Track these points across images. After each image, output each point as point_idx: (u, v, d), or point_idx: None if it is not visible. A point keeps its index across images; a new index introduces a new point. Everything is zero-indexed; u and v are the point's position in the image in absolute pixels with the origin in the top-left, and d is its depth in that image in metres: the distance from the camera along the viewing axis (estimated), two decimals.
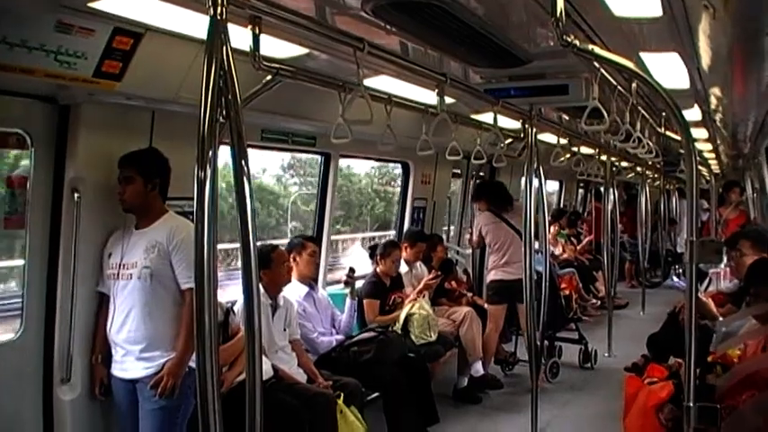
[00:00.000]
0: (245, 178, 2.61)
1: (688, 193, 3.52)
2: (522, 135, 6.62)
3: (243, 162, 2.61)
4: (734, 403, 3.79)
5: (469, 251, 9.87)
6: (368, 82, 4.41)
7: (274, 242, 6.13)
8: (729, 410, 3.72)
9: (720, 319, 5.19)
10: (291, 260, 5.89)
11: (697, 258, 3.27)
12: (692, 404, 3.29)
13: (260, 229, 14.20)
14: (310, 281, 6.13)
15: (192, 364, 4.09)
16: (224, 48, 2.54)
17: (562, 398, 7.55)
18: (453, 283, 8.19)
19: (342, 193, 16.67)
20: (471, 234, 8.62)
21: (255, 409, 2.77)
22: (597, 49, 3.37)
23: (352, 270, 6.48)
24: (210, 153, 2.50)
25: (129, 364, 4.26)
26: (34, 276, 4.21)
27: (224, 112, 2.56)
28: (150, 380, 4.17)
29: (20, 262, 4.56)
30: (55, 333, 4.24)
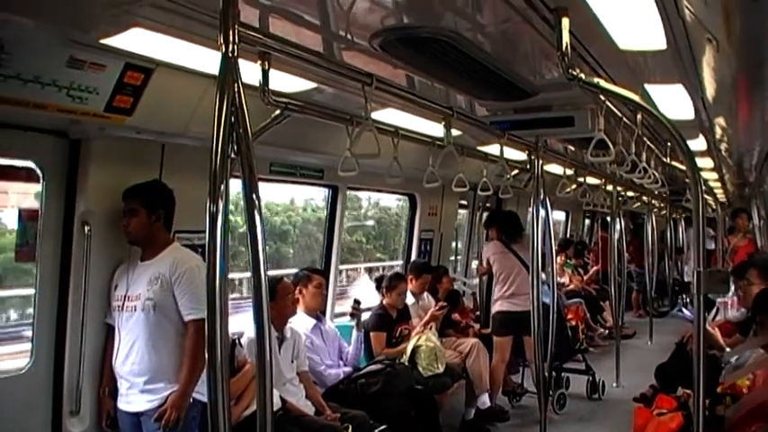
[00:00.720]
0: (256, 212, 2.63)
1: (694, 222, 3.53)
2: (528, 166, 6.64)
3: (254, 196, 2.64)
4: None
5: (476, 281, 9.87)
6: (375, 115, 4.44)
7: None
8: None
9: (727, 349, 5.18)
10: (298, 292, 5.89)
11: (704, 289, 3.28)
12: None
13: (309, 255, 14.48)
14: (317, 313, 6.14)
15: (196, 395, 4.11)
16: (235, 85, 2.57)
17: (570, 429, 7.53)
18: (457, 315, 8.19)
19: (382, 224, 16.74)
20: (480, 261, 8.63)
21: None
22: (602, 82, 3.41)
23: (357, 302, 6.48)
24: (222, 187, 2.53)
25: (134, 397, 4.27)
26: (44, 308, 4.23)
27: (235, 147, 2.59)
28: (154, 413, 4.17)
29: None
30: (64, 365, 4.25)
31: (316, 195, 11.26)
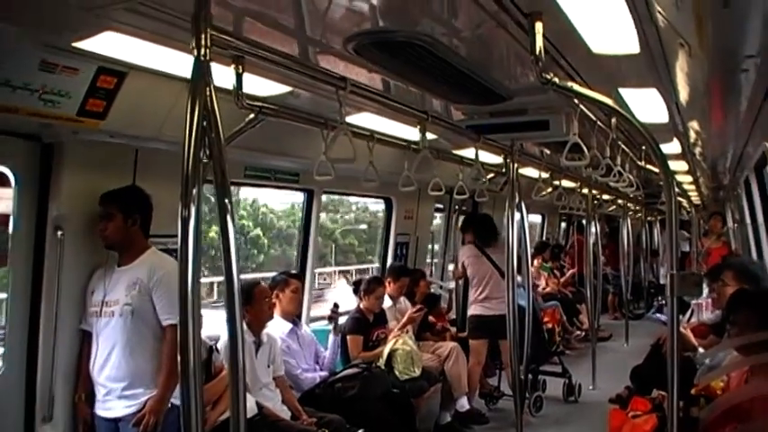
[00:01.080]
0: (228, 216, 2.62)
1: (668, 225, 3.55)
2: (503, 170, 6.66)
3: (226, 200, 2.62)
4: None
5: (453, 285, 9.88)
6: (350, 119, 4.44)
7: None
8: None
9: (701, 350, 5.21)
10: (275, 297, 5.88)
11: (678, 291, 3.30)
12: None
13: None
14: (294, 317, 6.12)
15: (174, 400, 4.08)
16: (208, 89, 2.56)
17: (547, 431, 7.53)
18: (433, 318, 8.20)
19: (372, 228, 16.99)
20: (456, 264, 8.64)
21: None
22: (576, 86, 3.42)
23: (336, 306, 6.47)
24: (194, 192, 2.51)
25: (112, 403, 4.25)
26: (16, 313, 4.20)
27: (207, 152, 2.57)
28: (132, 418, 4.15)
29: None
30: (37, 371, 4.22)
31: None
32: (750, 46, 3.68)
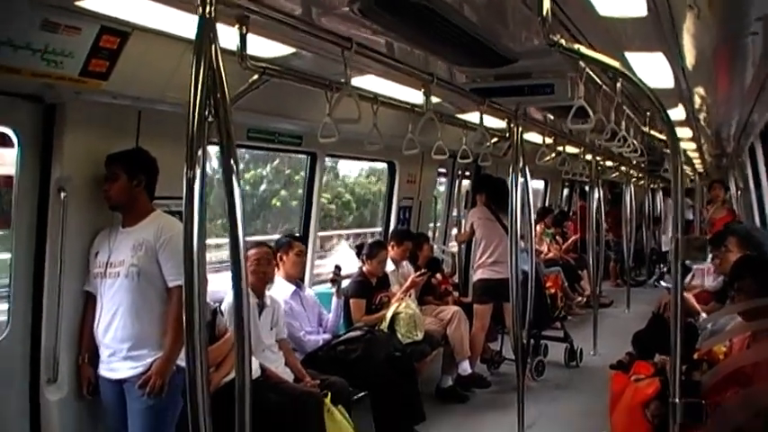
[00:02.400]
0: (233, 177, 2.61)
1: (673, 190, 3.53)
2: (507, 134, 6.63)
3: (232, 161, 2.62)
4: (719, 399, 3.81)
5: (455, 249, 9.89)
6: (354, 81, 4.40)
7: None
8: (714, 407, 3.74)
9: (704, 315, 5.22)
10: (278, 259, 5.89)
11: (682, 255, 3.30)
12: (677, 400, 3.32)
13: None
14: (297, 280, 6.13)
15: (180, 362, 4.10)
16: (212, 47, 2.54)
17: (548, 396, 7.59)
18: (439, 276, 8.20)
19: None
20: (460, 228, 8.61)
21: (245, 409, 2.77)
22: (583, 49, 3.38)
23: (338, 268, 6.48)
24: (199, 152, 2.50)
25: (117, 364, 4.25)
26: (20, 276, 4.19)
27: (212, 111, 2.56)
28: (138, 379, 4.16)
29: None
30: (41, 333, 4.22)
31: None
32: (760, 6, 3.64)
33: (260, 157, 15.15)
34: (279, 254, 5.94)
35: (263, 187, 16.47)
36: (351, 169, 18.11)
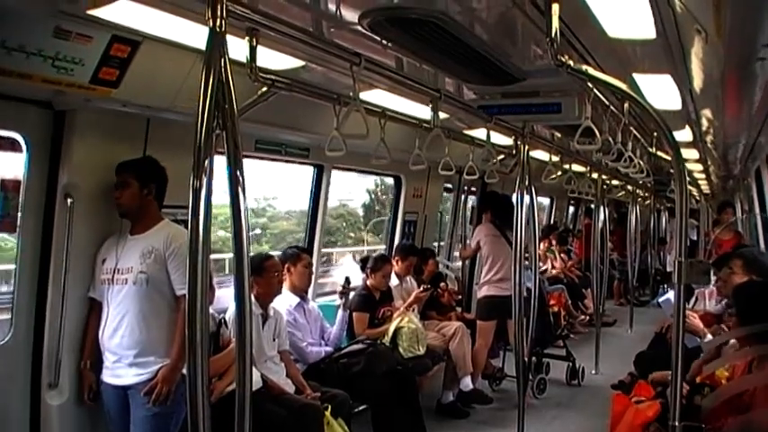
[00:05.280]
0: (239, 188, 2.62)
1: (678, 213, 3.53)
2: (514, 151, 6.65)
3: (238, 172, 2.63)
4: (719, 424, 3.80)
5: (459, 264, 9.88)
6: (362, 96, 4.42)
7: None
8: (715, 431, 3.74)
9: (709, 336, 5.21)
10: (286, 271, 5.90)
11: (686, 278, 3.29)
12: (677, 423, 3.31)
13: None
14: (302, 292, 6.13)
15: (185, 371, 4.10)
16: (222, 60, 2.55)
17: (549, 414, 7.57)
18: (443, 286, 8.19)
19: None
20: (465, 244, 8.60)
21: (245, 419, 2.77)
22: (590, 70, 3.40)
23: (347, 281, 6.48)
24: (206, 163, 2.52)
25: (122, 371, 4.25)
26: (25, 280, 4.20)
27: (220, 123, 2.57)
28: (143, 386, 4.17)
29: None
30: (44, 337, 4.23)
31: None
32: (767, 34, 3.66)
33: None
34: (287, 265, 5.95)
35: None
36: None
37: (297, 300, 6.01)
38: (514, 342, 6.28)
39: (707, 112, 6.43)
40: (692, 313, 5.30)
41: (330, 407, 5.22)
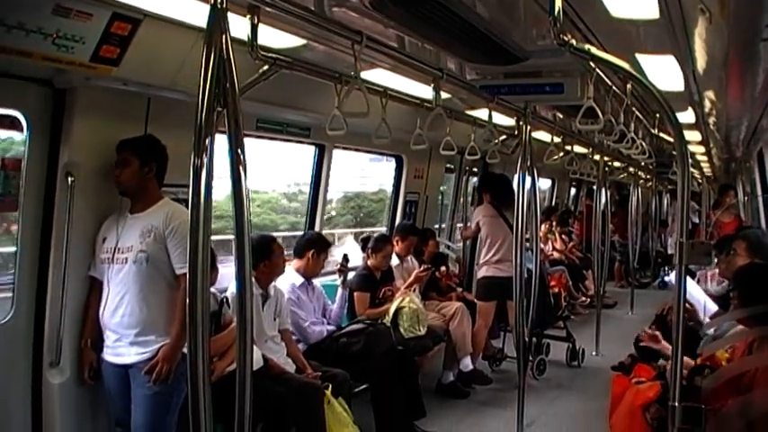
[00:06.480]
0: (241, 167, 2.61)
1: (679, 194, 3.52)
2: (516, 132, 6.63)
3: (239, 150, 2.62)
4: (719, 405, 3.81)
5: (460, 245, 9.88)
6: (364, 75, 4.40)
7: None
8: (715, 412, 3.74)
9: (707, 320, 5.21)
10: (310, 256, 5.99)
11: (686, 259, 3.29)
12: (677, 404, 3.32)
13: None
14: (310, 277, 6.15)
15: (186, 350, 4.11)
16: (223, 37, 2.54)
17: (549, 395, 7.59)
18: (444, 269, 8.20)
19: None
20: (466, 225, 8.59)
21: (246, 398, 2.77)
22: (593, 50, 3.38)
23: (346, 259, 6.49)
24: (207, 141, 2.51)
25: (123, 349, 4.26)
26: (26, 259, 4.20)
27: (221, 101, 2.56)
28: (144, 365, 4.17)
29: None
30: (45, 316, 4.23)
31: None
32: None
33: None
34: (311, 251, 6.03)
35: None
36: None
37: (301, 279, 6.02)
38: (515, 323, 6.28)
39: (710, 94, 6.41)
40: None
41: (330, 386, 5.23)
